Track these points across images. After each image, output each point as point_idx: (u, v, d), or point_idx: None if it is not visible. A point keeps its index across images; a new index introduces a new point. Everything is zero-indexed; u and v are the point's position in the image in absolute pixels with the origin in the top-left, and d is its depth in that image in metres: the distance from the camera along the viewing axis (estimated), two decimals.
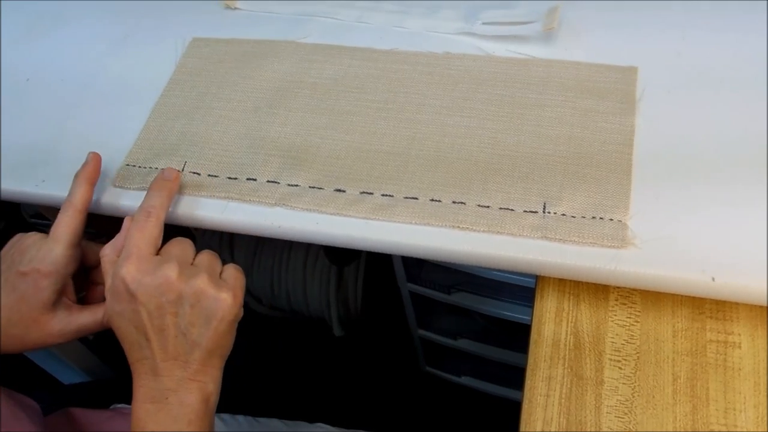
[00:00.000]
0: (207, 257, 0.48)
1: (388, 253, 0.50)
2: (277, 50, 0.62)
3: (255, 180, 0.53)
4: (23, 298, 0.48)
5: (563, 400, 0.44)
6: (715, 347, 0.44)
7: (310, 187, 0.52)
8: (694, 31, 0.56)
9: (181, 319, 0.45)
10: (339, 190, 0.51)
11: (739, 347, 0.44)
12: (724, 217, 0.46)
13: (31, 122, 0.61)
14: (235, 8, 0.67)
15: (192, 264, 0.47)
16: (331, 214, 0.50)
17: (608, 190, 0.48)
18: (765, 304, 0.44)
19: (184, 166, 0.55)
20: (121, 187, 0.55)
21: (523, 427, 0.43)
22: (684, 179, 0.48)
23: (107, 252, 0.48)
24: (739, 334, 0.45)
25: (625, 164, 0.49)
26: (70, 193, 0.51)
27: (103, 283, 0.54)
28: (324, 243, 0.51)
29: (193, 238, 1.05)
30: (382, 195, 0.50)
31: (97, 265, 0.54)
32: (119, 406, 0.64)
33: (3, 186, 0.57)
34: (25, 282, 0.48)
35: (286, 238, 0.51)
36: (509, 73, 0.56)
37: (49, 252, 0.49)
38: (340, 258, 1.01)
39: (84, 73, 0.64)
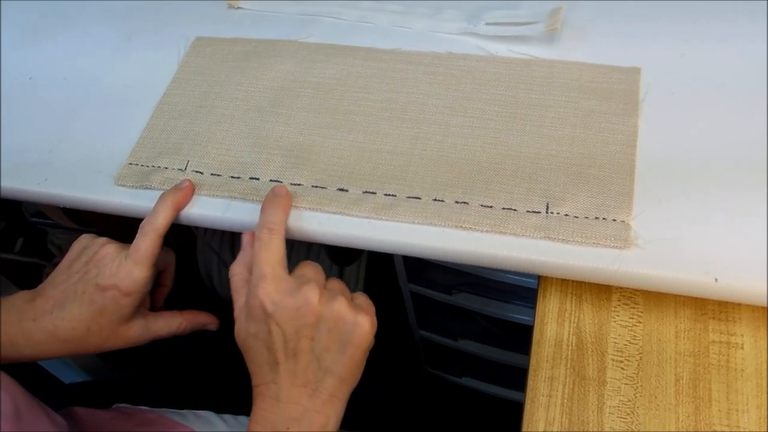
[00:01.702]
0: (338, 282, 0.47)
1: (390, 252, 0.50)
2: (280, 50, 0.62)
3: (258, 179, 0.53)
4: (102, 312, 0.49)
5: (565, 401, 0.44)
6: (718, 348, 0.44)
7: (312, 186, 0.52)
8: (697, 32, 0.56)
9: (316, 344, 0.44)
10: (342, 190, 0.51)
11: (742, 348, 0.44)
12: (726, 217, 0.46)
13: (34, 121, 0.61)
14: (238, 8, 0.67)
15: (325, 287, 0.46)
16: (334, 213, 0.50)
17: (611, 191, 0.48)
18: (767, 306, 0.44)
19: (186, 165, 0.55)
20: (123, 185, 0.55)
21: (525, 427, 0.43)
22: (687, 180, 0.48)
23: (239, 270, 0.48)
24: (742, 335, 0.45)
25: (628, 165, 0.49)
26: (155, 215, 0.50)
27: (167, 285, 0.57)
28: (326, 242, 0.51)
29: (194, 238, 1.05)
30: (385, 194, 0.50)
31: (164, 269, 0.56)
32: (121, 405, 0.64)
33: (5, 184, 0.57)
34: (104, 297, 0.49)
35: (288, 237, 0.51)
36: (512, 74, 0.56)
37: (130, 273, 0.49)
38: (342, 257, 1.01)
39: (87, 73, 0.64)
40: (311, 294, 0.44)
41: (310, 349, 0.44)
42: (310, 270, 0.47)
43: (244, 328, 0.46)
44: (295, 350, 0.44)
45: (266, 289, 0.44)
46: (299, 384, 0.44)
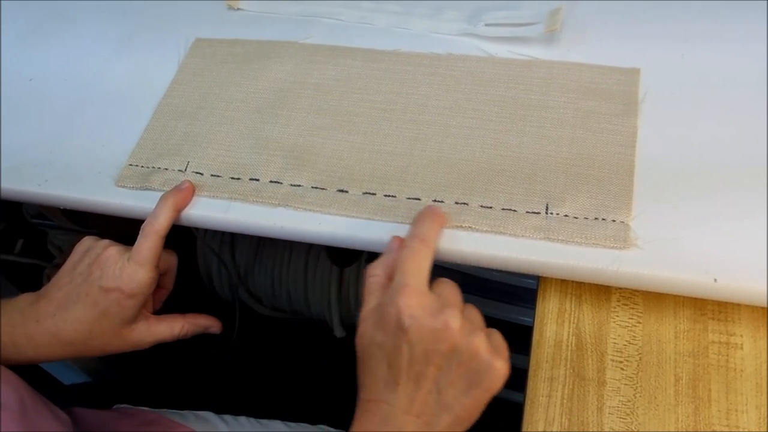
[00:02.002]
0: (476, 312, 0.43)
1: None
2: (279, 51, 0.62)
3: (258, 180, 0.53)
4: (105, 314, 0.49)
5: (565, 401, 0.44)
6: (717, 348, 0.44)
7: (312, 187, 0.52)
8: (697, 33, 0.56)
9: (443, 375, 0.40)
10: (342, 191, 0.51)
11: (741, 348, 0.44)
12: (726, 218, 0.46)
13: (34, 122, 0.61)
14: (238, 9, 0.67)
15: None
16: (334, 214, 0.50)
17: (611, 192, 0.48)
18: (767, 306, 0.44)
19: (187, 166, 0.55)
20: (123, 186, 0.55)
21: (525, 427, 0.44)
22: (686, 181, 0.48)
23: (378, 272, 0.44)
24: (741, 336, 0.45)
25: (628, 166, 0.49)
26: (156, 216, 0.50)
27: (166, 288, 0.56)
28: (326, 243, 0.51)
29: (194, 238, 1.05)
30: (385, 195, 0.50)
31: (166, 270, 0.55)
32: (122, 406, 0.64)
33: (5, 185, 0.57)
34: (108, 299, 0.49)
35: (288, 239, 0.51)
36: (512, 75, 0.56)
37: (133, 275, 0.49)
38: (342, 259, 1.01)
39: (87, 74, 0.64)
40: (453, 320, 0.39)
41: (435, 378, 0.40)
42: (450, 291, 0.43)
43: (369, 335, 0.42)
44: (419, 375, 0.40)
45: (408, 300, 0.40)
46: (414, 413, 0.40)
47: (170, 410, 0.65)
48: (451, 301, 0.42)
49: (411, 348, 0.40)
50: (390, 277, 0.43)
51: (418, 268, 0.42)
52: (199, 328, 0.56)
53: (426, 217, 0.46)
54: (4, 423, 0.43)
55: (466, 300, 0.84)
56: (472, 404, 0.40)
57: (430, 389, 0.40)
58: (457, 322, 0.39)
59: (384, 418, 0.40)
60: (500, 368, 0.40)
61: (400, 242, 0.45)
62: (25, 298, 0.51)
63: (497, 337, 0.42)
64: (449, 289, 0.43)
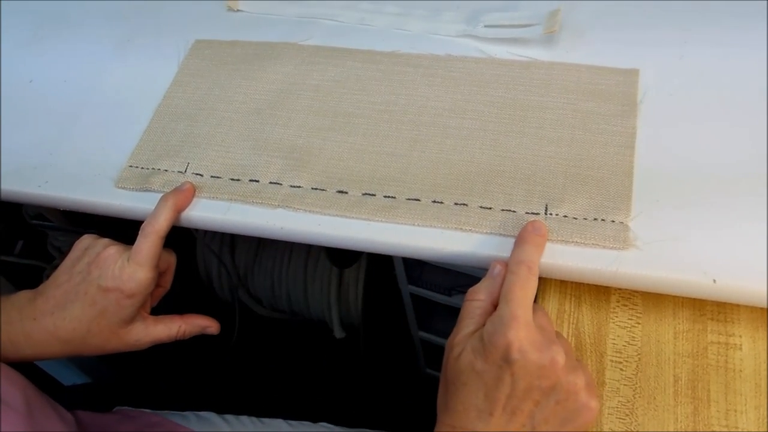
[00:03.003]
0: (569, 344, 0.42)
1: (390, 254, 0.50)
2: (279, 52, 0.62)
3: (257, 181, 0.53)
4: (104, 313, 0.49)
5: None
6: (716, 349, 0.44)
7: (312, 188, 0.52)
8: (696, 34, 0.56)
9: (539, 411, 0.39)
10: (341, 192, 0.51)
11: (740, 349, 0.44)
12: (725, 218, 0.46)
13: (34, 124, 0.61)
14: (238, 10, 0.67)
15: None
16: (334, 215, 0.50)
17: (610, 192, 0.48)
18: (766, 306, 0.44)
19: (186, 168, 0.55)
20: (123, 188, 0.55)
21: None
22: (685, 182, 0.48)
23: (482, 298, 0.43)
24: (740, 336, 0.45)
25: (627, 166, 0.49)
26: (155, 217, 0.50)
27: (164, 287, 0.56)
28: (326, 244, 0.51)
29: (194, 240, 1.05)
30: (385, 197, 0.51)
31: (165, 270, 0.55)
32: (124, 408, 0.64)
33: (5, 187, 0.57)
34: (107, 298, 0.49)
35: (288, 240, 0.51)
36: (511, 76, 0.56)
37: (132, 275, 0.49)
38: (341, 260, 1.01)
39: (87, 75, 0.64)
40: (559, 356, 0.39)
41: (531, 413, 0.39)
42: (548, 323, 0.42)
43: (468, 361, 0.40)
44: (516, 409, 0.39)
45: (518, 333, 0.39)
46: None
47: (171, 412, 0.65)
48: (554, 336, 0.41)
49: (514, 381, 0.39)
50: (493, 304, 0.42)
51: (526, 298, 0.41)
52: (197, 328, 0.56)
53: (530, 240, 0.44)
54: (11, 424, 0.43)
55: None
56: None
57: (524, 424, 0.39)
58: (562, 359, 0.39)
59: None
60: (595, 408, 0.40)
61: (504, 268, 0.44)
62: (24, 295, 0.51)
63: (587, 371, 0.42)
64: (548, 321, 0.42)
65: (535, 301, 0.45)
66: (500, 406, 0.39)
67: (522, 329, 0.39)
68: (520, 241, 0.45)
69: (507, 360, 0.38)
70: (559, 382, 0.39)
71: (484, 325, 0.41)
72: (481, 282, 0.44)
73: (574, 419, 0.39)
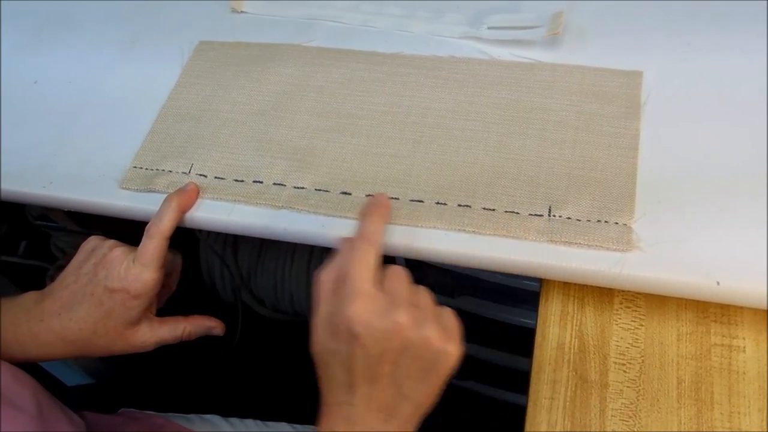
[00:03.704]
0: (426, 296, 0.43)
1: (393, 255, 0.50)
2: (282, 54, 0.62)
3: (261, 182, 0.53)
4: (110, 314, 0.50)
5: (568, 403, 0.44)
6: (720, 351, 0.44)
7: (315, 189, 0.52)
8: (699, 36, 0.56)
9: (398, 370, 0.41)
10: (345, 193, 0.51)
11: (744, 351, 0.44)
12: (728, 220, 0.46)
13: (39, 124, 0.61)
14: (242, 12, 0.67)
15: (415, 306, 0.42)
16: (337, 216, 0.50)
17: (613, 194, 0.48)
18: None
19: (190, 169, 0.55)
20: (127, 188, 0.55)
21: (527, 429, 0.44)
22: (689, 184, 0.48)
23: (327, 278, 0.44)
24: (744, 338, 0.45)
25: (630, 168, 0.49)
26: (160, 218, 0.50)
27: (169, 288, 0.57)
28: (329, 246, 0.51)
29: (197, 241, 1.05)
30: (388, 198, 0.51)
31: (170, 271, 0.55)
32: (129, 410, 0.64)
33: (10, 187, 0.57)
34: (113, 299, 0.49)
35: (291, 241, 0.51)
36: (514, 77, 0.56)
37: (138, 276, 0.49)
38: None
39: (91, 76, 0.64)
40: (403, 317, 0.40)
41: (391, 374, 0.41)
42: (399, 284, 0.43)
43: (322, 342, 0.42)
44: (376, 374, 0.41)
45: (357, 308, 0.40)
46: (374, 408, 0.41)
47: (176, 414, 0.65)
48: (400, 296, 0.42)
49: (365, 351, 0.40)
50: (339, 282, 0.43)
51: (365, 269, 0.42)
52: (201, 329, 0.56)
53: (369, 213, 0.46)
54: (22, 425, 0.43)
55: (469, 302, 0.84)
56: (430, 390, 0.42)
57: (387, 384, 0.41)
58: (406, 317, 0.40)
59: (347, 417, 0.42)
60: (453, 352, 0.41)
61: (348, 243, 0.45)
62: (31, 296, 0.52)
63: (448, 317, 0.43)
64: (397, 279, 0.43)
65: (537, 301, 0.45)
66: (360, 376, 0.41)
67: (361, 302, 0.40)
68: (360, 215, 0.46)
69: (352, 334, 0.40)
70: (408, 339, 0.40)
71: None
72: (328, 262, 0.45)
73: (434, 368, 0.41)
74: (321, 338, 0.43)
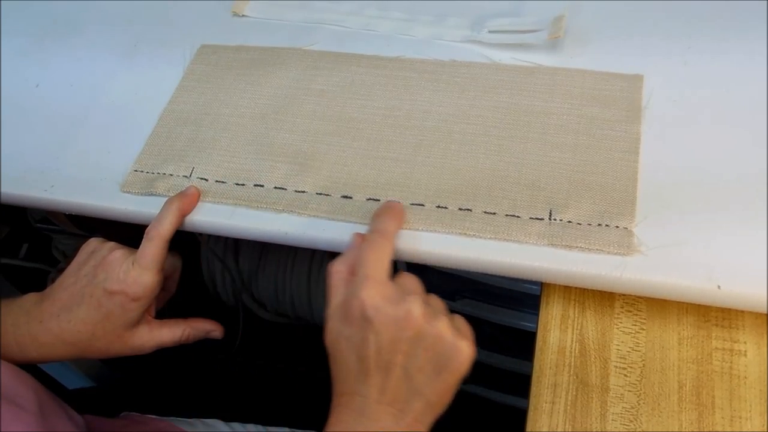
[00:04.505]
0: (438, 300, 0.44)
1: (393, 259, 0.50)
2: (284, 57, 0.62)
3: (262, 186, 0.53)
4: (109, 317, 0.50)
5: (569, 407, 0.44)
6: (721, 355, 0.44)
7: (317, 193, 0.52)
8: (700, 40, 0.56)
9: (411, 361, 0.41)
10: (346, 197, 0.52)
11: (745, 355, 0.44)
12: (730, 224, 0.46)
13: (41, 128, 0.61)
14: (243, 15, 0.67)
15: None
16: (338, 220, 0.50)
17: (614, 198, 0.48)
18: None
19: (192, 172, 0.55)
20: (129, 192, 0.55)
21: None
22: (690, 187, 0.48)
23: (341, 268, 0.44)
24: (745, 342, 0.45)
25: (631, 172, 0.49)
26: (160, 221, 0.50)
27: (169, 290, 0.57)
28: (330, 249, 0.51)
29: (198, 244, 1.05)
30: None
31: (170, 274, 0.56)
32: (131, 414, 0.64)
33: (12, 191, 0.57)
34: (112, 301, 0.49)
35: (292, 245, 0.51)
36: (515, 81, 0.56)
37: (138, 278, 0.49)
38: None
39: (93, 80, 0.65)
40: (415, 306, 0.41)
41: (403, 365, 0.41)
42: (411, 281, 0.44)
43: (336, 329, 0.42)
44: (388, 364, 0.41)
45: (370, 292, 0.41)
46: (386, 401, 0.41)
47: (178, 418, 0.65)
48: (412, 290, 0.43)
49: (377, 338, 0.40)
50: (352, 272, 0.44)
51: (379, 260, 0.43)
52: (201, 332, 0.56)
53: (383, 212, 0.47)
54: (25, 424, 0.43)
55: (469, 306, 0.84)
56: (443, 387, 0.41)
57: (400, 376, 0.41)
58: (418, 308, 0.41)
59: (358, 409, 0.41)
60: (465, 348, 0.41)
61: (360, 238, 0.46)
62: (30, 298, 0.52)
63: (460, 320, 0.43)
64: (410, 279, 0.44)
65: (538, 305, 0.45)
66: (372, 364, 0.41)
67: (374, 287, 0.41)
68: (375, 214, 0.47)
69: (365, 318, 0.40)
70: (421, 329, 0.40)
71: None
72: (341, 254, 0.46)
73: (447, 363, 0.41)
74: (335, 326, 0.43)
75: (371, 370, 0.41)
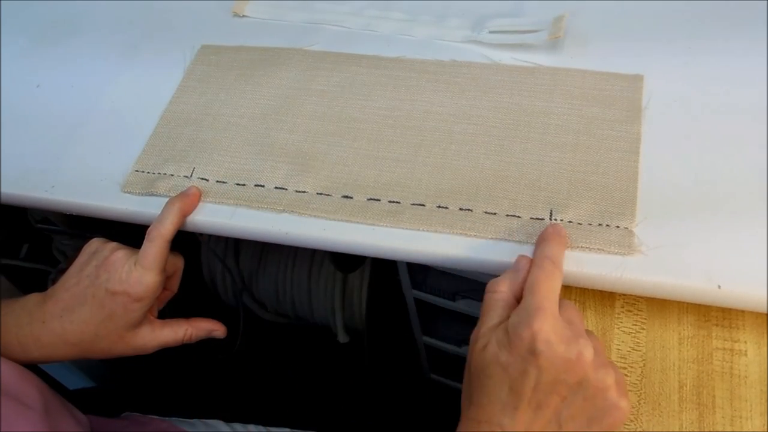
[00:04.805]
0: (601, 343, 0.41)
1: (394, 259, 0.50)
2: (284, 58, 0.62)
3: (263, 186, 0.53)
4: (111, 317, 0.50)
5: None
6: (721, 355, 0.44)
7: (317, 193, 0.52)
8: (700, 40, 0.56)
9: (565, 407, 0.38)
10: (346, 197, 0.52)
11: (745, 355, 0.44)
12: (730, 224, 0.46)
13: (41, 128, 0.62)
14: (244, 16, 0.67)
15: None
16: (338, 220, 0.51)
17: (614, 198, 0.48)
18: None
19: (192, 172, 0.55)
20: (129, 192, 0.55)
21: None
22: (690, 187, 0.48)
23: (503, 289, 0.42)
24: (745, 342, 0.45)
25: (631, 172, 0.49)
26: (162, 221, 0.50)
27: (171, 290, 0.57)
28: (331, 249, 0.51)
29: (199, 244, 1.05)
30: (389, 201, 0.51)
31: (172, 273, 0.55)
32: (132, 414, 0.64)
33: (12, 191, 0.57)
34: (114, 302, 0.49)
35: (293, 245, 0.52)
36: (516, 81, 0.56)
37: (140, 279, 0.49)
38: (346, 264, 1.01)
39: (94, 81, 0.65)
40: (587, 351, 0.37)
41: (557, 409, 0.38)
42: (578, 318, 0.41)
43: (493, 353, 0.39)
44: (541, 403, 0.38)
45: (543, 325, 0.37)
46: None
47: (179, 419, 0.65)
48: (582, 330, 0.40)
49: (539, 374, 0.38)
50: (516, 297, 0.42)
51: (552, 290, 0.40)
52: (203, 332, 0.56)
53: (553, 238, 0.44)
54: (31, 423, 0.44)
55: (470, 306, 0.84)
56: None
57: (549, 419, 0.38)
58: (590, 354, 0.38)
59: None
60: (625, 409, 0.38)
61: (528, 262, 0.43)
62: (33, 298, 0.52)
63: (620, 374, 0.41)
64: (577, 315, 0.41)
65: None
66: (525, 399, 0.38)
67: (548, 320, 0.38)
68: (543, 239, 0.45)
69: (532, 351, 0.37)
70: (586, 377, 0.38)
71: (508, 317, 0.40)
72: (503, 275, 0.43)
73: (601, 418, 0.38)
74: (491, 348, 0.39)
75: (522, 405, 0.38)
